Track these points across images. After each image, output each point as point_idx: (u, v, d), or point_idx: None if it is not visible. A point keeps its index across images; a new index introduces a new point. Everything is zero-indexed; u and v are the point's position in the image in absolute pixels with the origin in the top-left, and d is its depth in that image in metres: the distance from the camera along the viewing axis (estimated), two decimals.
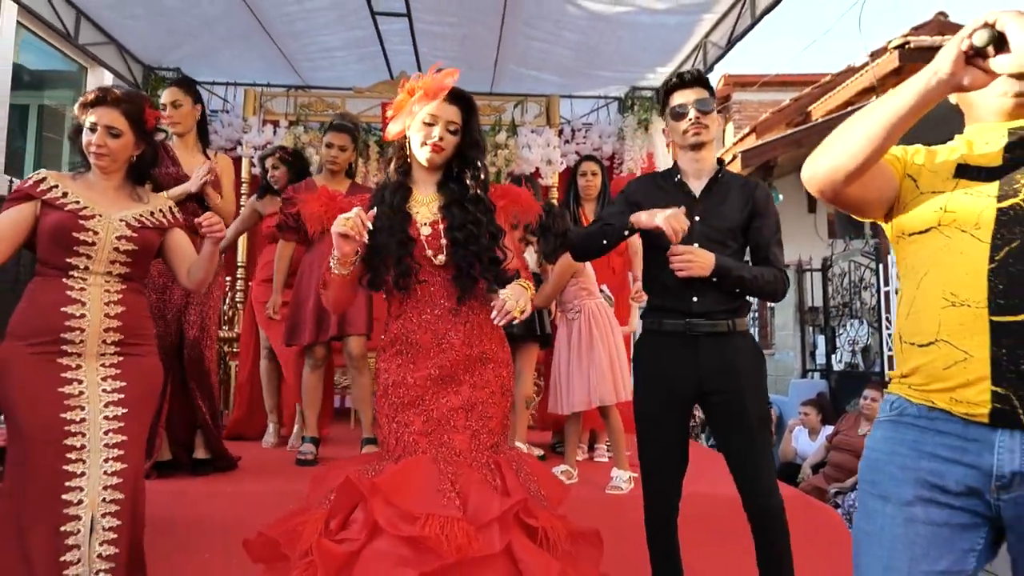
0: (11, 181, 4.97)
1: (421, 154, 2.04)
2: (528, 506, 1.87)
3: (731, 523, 2.39)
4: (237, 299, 5.06)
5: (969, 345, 1.22)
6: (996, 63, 1.12)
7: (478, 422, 1.98)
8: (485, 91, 5.97)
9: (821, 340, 7.51)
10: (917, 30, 9.59)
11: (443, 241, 2.02)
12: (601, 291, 3.75)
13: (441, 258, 2.01)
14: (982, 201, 1.26)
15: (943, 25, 9.71)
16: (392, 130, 2.06)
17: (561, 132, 6.02)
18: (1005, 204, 1.24)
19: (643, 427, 2.30)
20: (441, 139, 2.00)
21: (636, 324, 4.56)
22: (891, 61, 8.17)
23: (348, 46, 5.47)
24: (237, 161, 5.72)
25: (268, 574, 1.91)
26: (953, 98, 1.40)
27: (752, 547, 2.19)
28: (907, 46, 7.83)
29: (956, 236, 1.28)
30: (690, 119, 2.26)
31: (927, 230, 1.32)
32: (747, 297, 2.29)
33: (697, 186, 2.31)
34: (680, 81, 2.32)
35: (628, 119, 6.10)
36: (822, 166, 1.34)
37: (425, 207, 2.07)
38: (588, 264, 3.34)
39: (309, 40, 5.37)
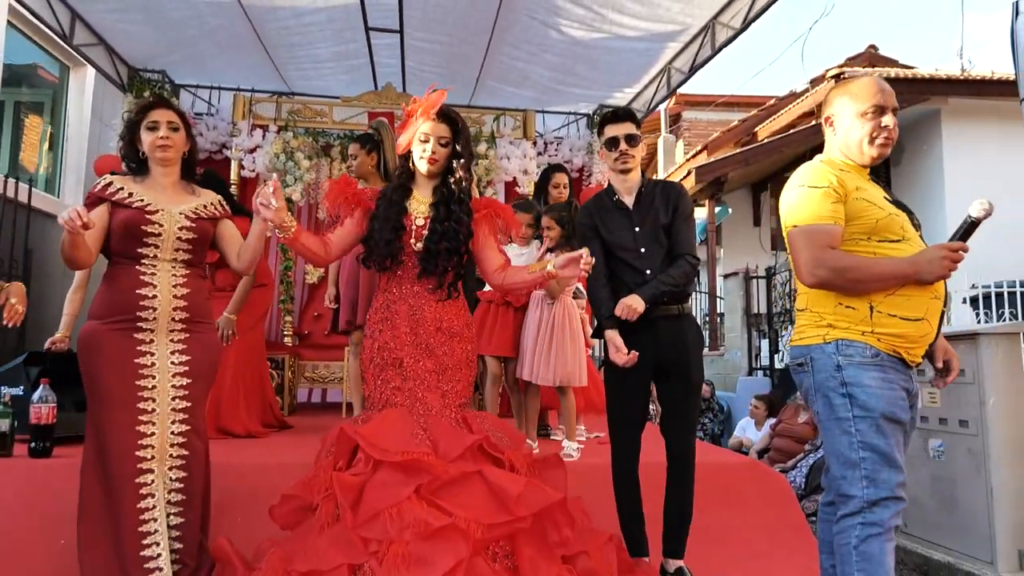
0: None
1: (420, 166, 2.44)
2: (492, 442, 2.25)
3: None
4: None
5: (935, 323, 2.00)
6: None
7: (447, 384, 2.38)
8: (465, 104, 6.35)
9: (765, 343, 8.12)
10: (852, 60, 10.60)
11: (426, 231, 2.40)
12: (578, 288, 4.16)
13: (419, 245, 2.39)
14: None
15: (873, 56, 10.80)
16: (402, 142, 2.48)
17: (535, 144, 6.43)
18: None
19: (612, 391, 2.77)
20: (434, 153, 2.41)
21: None
22: (829, 88, 8.91)
23: (337, 58, 5.77)
24: (225, 163, 5.93)
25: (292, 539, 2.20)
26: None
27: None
28: (843, 75, 8.59)
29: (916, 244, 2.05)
30: (620, 150, 2.74)
31: (901, 239, 2.03)
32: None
33: (629, 201, 2.78)
34: (613, 116, 2.78)
35: (596, 134, 6.57)
36: (834, 287, 2.03)
37: (422, 204, 2.45)
38: None
39: (301, 51, 5.66)
